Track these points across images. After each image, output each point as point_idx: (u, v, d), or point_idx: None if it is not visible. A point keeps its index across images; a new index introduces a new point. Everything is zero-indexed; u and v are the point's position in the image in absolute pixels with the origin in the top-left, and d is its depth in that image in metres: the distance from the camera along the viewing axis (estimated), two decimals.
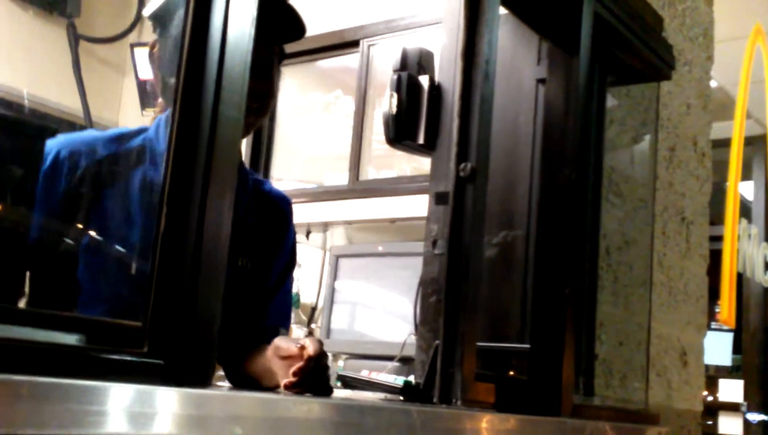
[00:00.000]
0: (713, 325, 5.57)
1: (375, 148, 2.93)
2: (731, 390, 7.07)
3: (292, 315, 3.29)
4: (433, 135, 1.70)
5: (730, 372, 7.35)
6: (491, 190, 1.80)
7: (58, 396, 0.81)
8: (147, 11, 1.58)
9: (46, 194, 1.45)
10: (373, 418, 1.24)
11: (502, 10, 1.85)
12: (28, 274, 1.49)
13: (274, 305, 1.74)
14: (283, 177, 3.23)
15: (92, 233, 1.49)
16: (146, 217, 1.46)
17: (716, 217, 4.06)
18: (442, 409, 1.49)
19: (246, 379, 1.62)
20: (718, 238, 4.48)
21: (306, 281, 3.42)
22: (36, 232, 1.47)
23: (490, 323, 2.07)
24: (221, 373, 1.70)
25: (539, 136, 2.16)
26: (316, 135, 3.24)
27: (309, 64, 3.26)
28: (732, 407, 6.98)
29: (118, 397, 0.86)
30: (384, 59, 2.90)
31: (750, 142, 5.78)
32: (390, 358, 2.51)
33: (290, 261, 1.81)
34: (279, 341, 1.47)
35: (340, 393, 1.69)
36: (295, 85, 3.32)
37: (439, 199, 1.65)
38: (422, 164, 2.63)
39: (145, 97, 3.35)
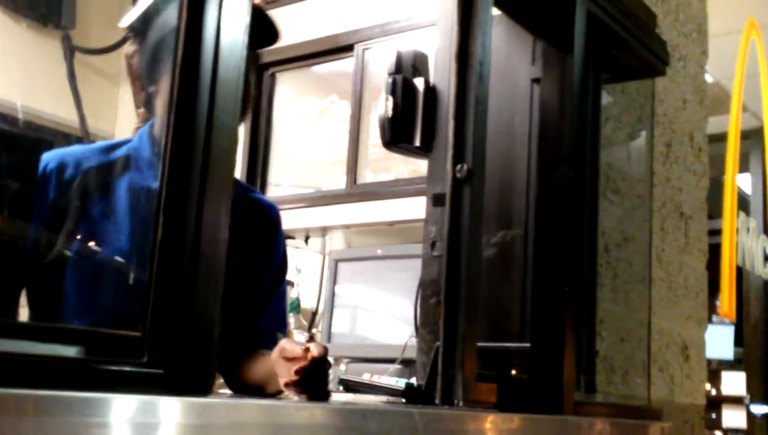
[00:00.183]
0: (714, 318, 5.57)
1: (372, 152, 2.93)
2: (734, 383, 7.07)
3: (293, 320, 3.30)
4: (430, 137, 1.70)
5: (732, 365, 7.36)
6: (489, 190, 1.80)
7: (61, 409, 0.81)
8: (124, 22, 1.59)
9: (36, 207, 1.47)
10: (376, 421, 1.24)
11: (496, 11, 1.86)
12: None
13: (270, 310, 1.75)
14: (280, 182, 3.23)
15: (82, 243, 1.50)
16: (134, 224, 1.49)
17: (714, 211, 4.07)
18: (444, 410, 1.49)
19: (247, 385, 1.62)
20: (716, 232, 4.49)
21: (306, 286, 3.42)
22: (30, 245, 1.49)
23: (491, 323, 2.07)
24: (220, 380, 1.71)
25: (535, 136, 2.16)
26: (312, 140, 3.25)
27: (304, 69, 3.26)
28: (735, 400, 6.99)
29: (121, 408, 0.86)
30: (379, 63, 2.90)
31: (747, 135, 5.79)
32: (391, 361, 2.51)
33: (282, 266, 1.82)
34: (285, 343, 1.48)
35: (342, 397, 1.69)
36: (290, 91, 3.32)
37: (436, 200, 1.65)
38: (419, 166, 2.63)
39: None
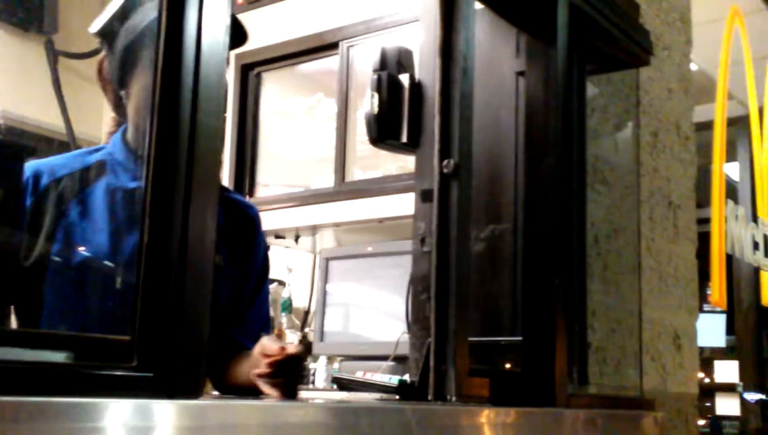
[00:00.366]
0: (705, 307, 5.59)
1: (359, 149, 2.93)
2: (727, 371, 7.11)
3: (285, 320, 3.30)
4: (416, 133, 1.70)
5: (724, 353, 7.39)
6: (477, 184, 1.81)
7: (53, 415, 0.81)
8: (93, 28, 1.59)
9: (17, 214, 1.47)
10: (369, 418, 1.24)
11: (478, 5, 1.85)
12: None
13: (254, 311, 1.76)
14: (269, 182, 3.23)
15: (66, 248, 1.51)
16: (116, 227, 1.50)
17: (703, 199, 4.08)
18: (437, 406, 1.49)
19: (234, 386, 1.63)
20: (705, 221, 4.50)
21: (297, 285, 3.42)
22: (13, 253, 1.49)
23: (482, 317, 2.08)
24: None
25: (522, 129, 2.16)
26: (299, 139, 3.24)
27: (289, 68, 3.26)
28: (728, 388, 7.02)
29: (113, 413, 0.86)
30: (364, 60, 2.90)
31: (733, 123, 5.82)
32: (384, 358, 2.51)
33: (264, 266, 1.83)
34: (265, 340, 1.49)
35: (335, 395, 1.69)
36: (276, 91, 3.32)
37: (424, 196, 1.65)
38: (407, 163, 2.63)
39: None
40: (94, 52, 1.66)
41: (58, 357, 0.92)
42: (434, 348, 1.54)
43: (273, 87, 3.30)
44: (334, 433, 1.18)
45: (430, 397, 1.52)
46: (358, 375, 2.15)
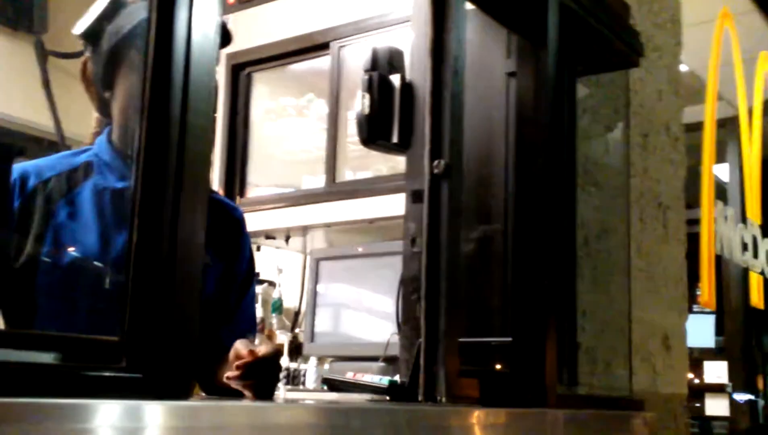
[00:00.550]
0: (695, 307, 5.61)
1: (351, 150, 2.93)
2: (716, 371, 7.13)
3: (275, 321, 3.29)
4: (407, 133, 1.70)
5: (714, 354, 7.41)
6: (467, 185, 1.81)
7: (41, 416, 0.81)
8: (77, 29, 1.59)
9: (5, 216, 1.47)
10: (358, 419, 1.24)
11: (469, 6, 1.86)
12: None
13: (241, 312, 1.76)
14: (259, 183, 3.22)
15: (54, 249, 1.51)
16: (104, 227, 1.51)
17: (692, 200, 4.09)
18: (427, 407, 1.49)
19: (220, 387, 1.62)
20: (695, 222, 4.52)
21: (288, 286, 3.41)
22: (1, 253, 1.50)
23: (472, 318, 2.08)
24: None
25: (512, 130, 2.16)
26: (290, 139, 3.24)
27: (280, 69, 3.25)
28: (718, 388, 7.04)
29: (101, 414, 0.86)
30: (355, 60, 2.90)
31: (723, 124, 5.84)
32: (375, 359, 2.51)
33: (250, 268, 1.83)
34: (238, 343, 1.49)
35: (326, 396, 1.69)
36: (266, 91, 3.31)
37: (415, 197, 1.65)
38: (398, 163, 2.63)
39: None
40: (83, 53, 1.66)
41: (47, 358, 0.92)
42: (424, 349, 1.55)
43: (264, 87, 3.30)
44: (324, 434, 1.18)
45: (420, 398, 1.52)
46: (349, 376, 2.15)
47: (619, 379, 2.58)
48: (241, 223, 1.83)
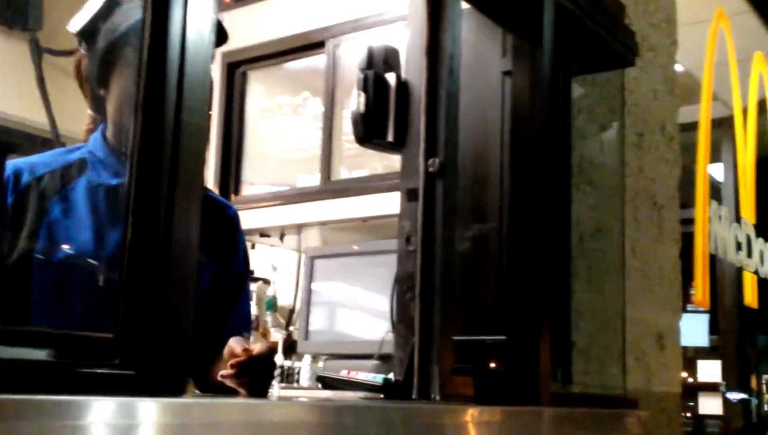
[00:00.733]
0: (689, 307, 5.63)
1: (346, 148, 2.93)
2: (710, 370, 7.15)
3: (270, 319, 3.29)
4: (402, 132, 1.70)
5: (708, 353, 7.44)
6: (462, 184, 1.81)
7: (34, 413, 0.81)
8: (73, 27, 1.59)
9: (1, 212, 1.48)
10: (352, 417, 1.24)
11: (465, 5, 1.86)
12: None
13: (236, 310, 1.76)
14: (254, 181, 3.22)
15: (48, 246, 1.51)
16: (98, 224, 1.51)
17: (687, 200, 4.10)
18: (421, 404, 1.49)
19: (215, 385, 1.62)
20: (689, 221, 4.53)
21: (282, 284, 3.41)
22: None
23: (467, 316, 2.08)
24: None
25: (508, 128, 2.16)
26: (285, 137, 3.24)
27: (275, 67, 3.25)
28: (711, 387, 7.06)
29: (95, 411, 0.86)
30: (350, 59, 2.90)
31: (717, 124, 5.85)
32: (369, 357, 2.51)
33: (245, 266, 1.83)
34: (232, 341, 1.48)
35: (320, 394, 1.69)
36: (262, 89, 3.31)
37: (410, 195, 1.66)
38: (393, 162, 2.63)
39: None
40: (78, 50, 1.66)
41: (40, 354, 0.92)
42: (419, 347, 1.55)
43: (259, 85, 3.30)
44: (318, 431, 1.18)
45: (414, 396, 1.53)
46: (343, 374, 2.15)
47: (613, 378, 2.59)
48: (235, 220, 1.83)
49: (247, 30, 3.13)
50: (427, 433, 1.42)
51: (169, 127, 1.02)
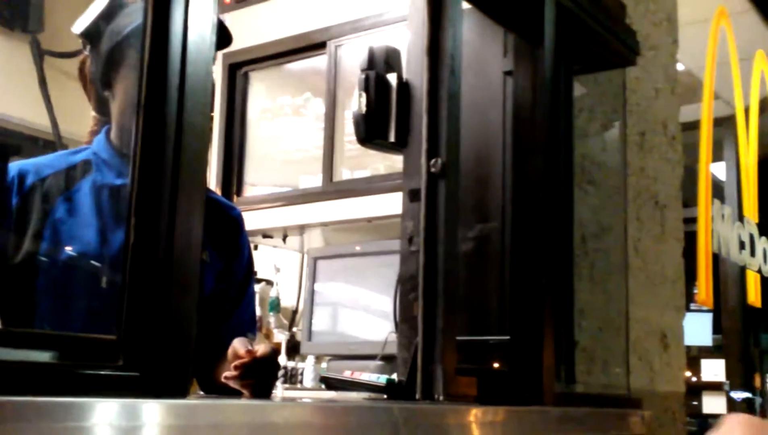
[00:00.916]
0: (692, 306, 5.62)
1: (348, 149, 2.93)
2: (714, 369, 7.14)
3: (273, 319, 3.29)
4: (404, 132, 1.70)
5: (711, 352, 7.43)
6: (464, 184, 1.81)
7: (38, 414, 0.81)
8: (77, 28, 1.59)
9: (3, 215, 1.48)
10: (356, 417, 1.24)
11: (466, 5, 1.86)
12: None
13: (240, 311, 1.76)
14: (257, 182, 3.22)
15: (52, 247, 1.51)
16: (103, 226, 1.51)
17: (689, 199, 4.09)
18: (424, 405, 1.49)
19: (219, 386, 1.62)
20: (692, 220, 4.52)
21: (285, 285, 3.41)
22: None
23: (470, 316, 2.08)
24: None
25: (509, 128, 2.16)
26: (287, 138, 3.24)
27: (277, 68, 3.25)
28: (715, 386, 7.05)
29: (99, 412, 0.86)
30: (352, 59, 2.90)
31: (719, 123, 5.84)
32: (372, 357, 2.51)
33: (249, 267, 1.83)
34: (236, 342, 1.48)
35: (323, 394, 1.69)
36: (263, 90, 3.31)
37: (412, 196, 1.65)
38: (395, 162, 2.63)
39: None
40: (81, 52, 1.66)
41: (44, 356, 0.92)
42: (422, 347, 1.54)
43: (261, 86, 3.30)
44: (321, 432, 1.18)
45: (417, 396, 1.52)
46: (346, 374, 2.15)
47: (616, 378, 2.59)
48: (239, 222, 1.83)
49: (249, 31, 3.13)
50: (431, 434, 1.42)
51: (171, 128, 1.02)
